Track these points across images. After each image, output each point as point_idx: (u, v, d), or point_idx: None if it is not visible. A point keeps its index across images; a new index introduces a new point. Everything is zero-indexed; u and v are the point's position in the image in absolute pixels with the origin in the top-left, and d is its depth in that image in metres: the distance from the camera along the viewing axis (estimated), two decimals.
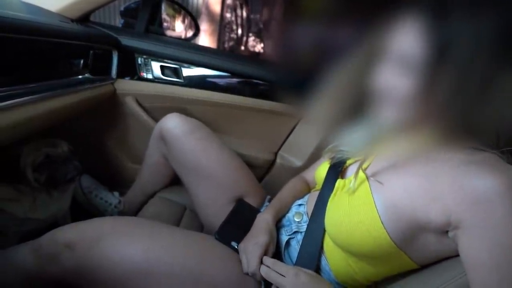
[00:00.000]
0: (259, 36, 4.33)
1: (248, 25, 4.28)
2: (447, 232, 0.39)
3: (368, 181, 0.46)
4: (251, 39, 4.36)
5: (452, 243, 0.39)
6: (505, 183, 0.34)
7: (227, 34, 4.28)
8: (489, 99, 0.35)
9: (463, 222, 0.36)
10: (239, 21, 4.22)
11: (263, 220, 0.59)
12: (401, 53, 0.38)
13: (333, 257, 0.51)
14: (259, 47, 4.35)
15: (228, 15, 4.22)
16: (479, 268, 0.35)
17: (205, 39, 3.97)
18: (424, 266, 0.45)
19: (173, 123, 0.74)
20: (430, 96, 0.37)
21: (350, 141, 0.51)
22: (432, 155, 0.42)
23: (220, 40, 4.17)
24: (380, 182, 0.44)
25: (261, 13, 4.22)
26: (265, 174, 0.97)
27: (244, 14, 4.21)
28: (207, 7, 3.95)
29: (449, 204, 0.37)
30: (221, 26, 4.14)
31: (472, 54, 0.34)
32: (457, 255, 0.39)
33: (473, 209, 0.35)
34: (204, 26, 3.93)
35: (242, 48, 4.33)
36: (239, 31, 4.27)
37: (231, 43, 4.33)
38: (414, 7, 0.37)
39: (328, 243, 0.52)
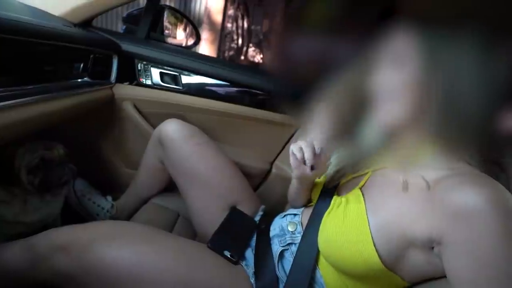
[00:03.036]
0: (259, 47, 4.39)
1: (248, 36, 4.35)
2: (433, 248, 0.39)
3: (364, 200, 0.46)
4: (251, 49, 4.42)
5: (439, 261, 0.39)
6: (487, 199, 0.33)
7: (228, 43, 4.34)
8: (477, 94, 0.35)
9: (444, 238, 0.36)
10: (239, 31, 4.28)
11: None
12: (396, 53, 0.39)
13: (327, 272, 0.51)
14: (258, 58, 4.41)
15: (229, 25, 4.29)
16: (458, 283, 0.35)
17: (206, 48, 4.02)
18: (416, 283, 0.44)
19: (172, 128, 0.74)
20: (425, 87, 0.38)
21: (347, 153, 0.51)
22: (420, 172, 0.42)
23: (220, 49, 4.22)
24: (374, 202, 0.45)
25: (262, 24, 4.30)
26: (261, 183, 0.97)
27: (245, 25, 4.28)
28: (209, 16, 4.02)
29: (430, 219, 0.37)
30: (222, 36, 4.21)
31: (456, 57, 0.35)
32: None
33: (454, 224, 0.35)
34: (205, 35, 3.99)
35: (242, 58, 4.39)
36: (240, 41, 4.33)
37: (231, 53, 4.39)
38: (406, 20, 0.39)
39: (322, 258, 0.51)
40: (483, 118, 0.35)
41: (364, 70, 0.42)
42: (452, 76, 0.35)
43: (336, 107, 0.45)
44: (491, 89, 0.34)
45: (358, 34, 0.42)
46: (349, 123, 0.45)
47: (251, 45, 4.41)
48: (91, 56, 0.74)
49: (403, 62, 0.39)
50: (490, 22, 0.34)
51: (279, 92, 0.92)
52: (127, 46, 0.87)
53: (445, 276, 0.40)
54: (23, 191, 0.63)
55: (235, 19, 4.26)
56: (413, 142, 0.41)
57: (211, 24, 4.03)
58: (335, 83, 0.44)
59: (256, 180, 0.96)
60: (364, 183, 0.50)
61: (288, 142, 0.99)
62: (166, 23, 1.14)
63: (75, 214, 0.85)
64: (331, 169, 0.55)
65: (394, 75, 0.39)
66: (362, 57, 0.42)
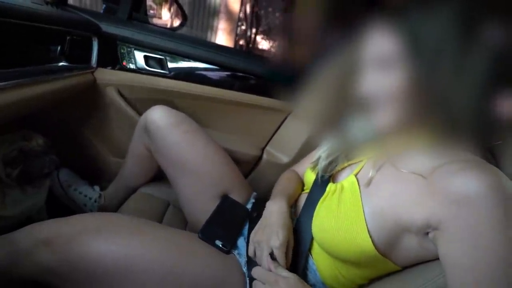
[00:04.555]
0: (268, 34, 4.23)
1: (257, 23, 4.17)
2: (427, 234, 0.39)
3: (359, 187, 0.46)
4: (259, 36, 4.26)
5: (433, 246, 0.39)
6: (487, 185, 0.33)
7: (239, 31, 4.15)
8: (465, 83, 0.34)
9: (442, 223, 0.36)
10: (249, 18, 4.09)
11: (280, 211, 0.55)
12: (379, 54, 0.38)
13: (319, 258, 0.51)
14: (267, 45, 4.25)
15: (243, 13, 4.09)
16: (455, 269, 0.35)
17: (223, 38, 3.86)
18: (407, 266, 0.45)
19: (158, 115, 0.71)
20: (414, 89, 0.37)
21: (337, 145, 0.51)
22: (416, 157, 0.42)
23: (237, 39, 4.05)
24: (370, 188, 0.44)
25: (265, 9, 4.13)
26: (252, 170, 0.96)
27: (254, 10, 4.08)
28: (226, 5, 3.82)
29: (429, 204, 0.37)
30: (238, 25, 4.03)
31: (437, 42, 0.34)
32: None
33: (453, 209, 0.35)
34: (222, 24, 3.82)
35: (251, 45, 4.23)
36: (248, 29, 4.15)
37: (241, 40, 4.21)
38: (381, 14, 0.37)
39: (315, 245, 0.51)
40: (477, 106, 0.34)
41: (351, 71, 0.41)
42: (437, 67, 0.34)
43: (324, 98, 0.43)
44: (479, 76, 0.33)
45: (347, 24, 0.40)
46: (337, 116, 0.43)
47: (259, 32, 4.24)
48: (68, 38, 0.69)
49: (389, 65, 0.38)
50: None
51: (270, 76, 0.90)
52: (107, 27, 0.82)
53: (434, 259, 0.40)
54: (1, 185, 0.59)
55: (243, 5, 4.05)
56: (407, 138, 0.41)
57: (229, 13, 3.86)
58: (323, 76, 0.42)
59: (247, 166, 0.94)
60: (360, 170, 0.49)
61: (279, 127, 0.97)
62: (150, 3, 1.07)
63: (61, 206, 0.82)
64: (322, 162, 0.54)
65: (383, 79, 0.38)
66: (348, 58, 0.41)
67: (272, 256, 0.49)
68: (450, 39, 0.32)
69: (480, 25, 0.31)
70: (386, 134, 0.41)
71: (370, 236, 0.41)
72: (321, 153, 0.55)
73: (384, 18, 0.36)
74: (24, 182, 0.62)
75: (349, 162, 0.53)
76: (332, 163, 0.53)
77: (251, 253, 0.53)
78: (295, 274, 0.47)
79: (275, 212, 0.55)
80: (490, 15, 0.32)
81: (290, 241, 0.51)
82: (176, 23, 1.10)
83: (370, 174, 0.46)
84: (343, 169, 0.54)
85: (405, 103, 0.38)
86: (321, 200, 0.50)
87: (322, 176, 0.54)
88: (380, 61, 0.38)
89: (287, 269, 0.49)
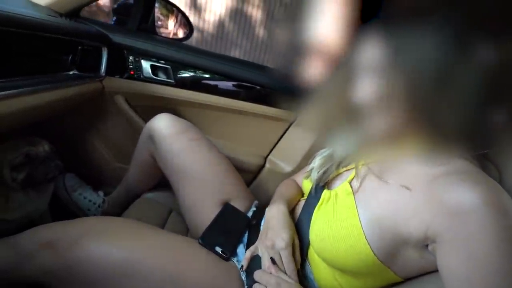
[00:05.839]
0: None
1: None
2: (427, 246, 0.39)
3: (354, 194, 0.46)
4: None
5: (434, 258, 0.38)
6: (482, 196, 0.33)
7: None
8: (454, 96, 0.35)
9: (440, 235, 0.36)
10: None
11: (280, 213, 0.55)
12: (370, 64, 0.39)
13: (318, 268, 0.50)
14: None
15: None
16: (453, 281, 0.35)
17: None
18: (408, 279, 0.44)
19: (163, 123, 0.72)
20: (403, 98, 0.37)
21: (340, 146, 0.51)
22: (413, 168, 0.42)
23: None
24: (365, 196, 0.45)
25: None
26: (254, 178, 0.96)
27: None
28: None
29: (426, 216, 0.37)
30: None
31: (425, 54, 0.34)
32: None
33: (449, 221, 0.35)
34: None
35: None
36: None
37: None
38: (372, 25, 0.38)
39: (313, 254, 0.51)
40: (466, 117, 0.34)
41: (346, 80, 0.42)
42: (425, 78, 0.34)
43: (324, 107, 0.45)
44: (468, 89, 0.33)
45: (343, 35, 0.41)
46: (335, 123, 0.44)
47: None
48: (79, 48, 0.72)
49: (379, 74, 0.38)
50: (460, 17, 0.33)
51: (274, 86, 0.91)
52: (117, 38, 0.85)
53: (436, 270, 0.40)
54: (5, 188, 0.61)
55: None
56: (401, 146, 0.41)
57: None
58: (323, 85, 0.43)
59: (249, 175, 0.95)
60: (353, 177, 0.50)
61: (282, 136, 0.98)
62: (158, 15, 1.11)
63: (65, 210, 0.84)
64: (315, 172, 0.54)
65: (374, 88, 0.39)
66: (344, 67, 0.42)
67: (272, 260, 0.49)
68: (438, 52, 0.33)
69: (470, 41, 0.32)
70: (380, 141, 0.42)
71: (369, 243, 0.41)
72: (314, 163, 0.56)
73: (376, 29, 0.38)
74: (28, 186, 0.63)
75: (344, 169, 0.53)
76: (325, 173, 0.54)
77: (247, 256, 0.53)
78: (297, 281, 0.47)
79: (275, 215, 0.56)
80: (482, 32, 0.32)
81: (295, 240, 0.51)
82: (180, 32, 1.14)
83: (360, 178, 0.46)
84: (338, 175, 0.54)
85: (395, 111, 0.38)
86: (316, 207, 0.51)
87: (317, 184, 0.54)
88: (371, 70, 0.39)
89: (297, 269, 0.49)
